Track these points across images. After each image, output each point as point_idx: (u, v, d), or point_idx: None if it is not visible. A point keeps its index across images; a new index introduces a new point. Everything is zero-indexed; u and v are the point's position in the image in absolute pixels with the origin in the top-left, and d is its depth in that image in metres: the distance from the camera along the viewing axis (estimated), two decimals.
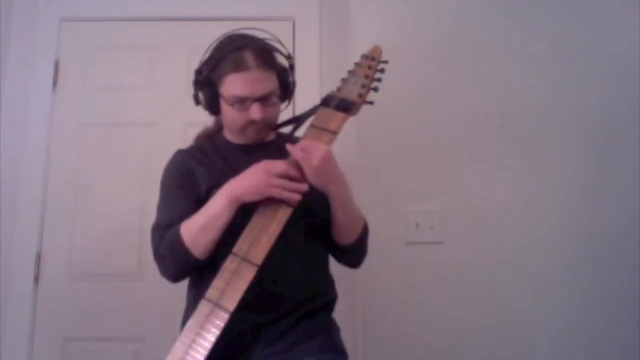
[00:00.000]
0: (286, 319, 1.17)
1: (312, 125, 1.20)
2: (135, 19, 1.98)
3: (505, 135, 1.87)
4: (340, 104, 1.20)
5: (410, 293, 1.77)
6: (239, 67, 1.17)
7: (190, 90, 1.28)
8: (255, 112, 1.18)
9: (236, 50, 1.19)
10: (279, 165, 1.11)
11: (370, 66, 1.24)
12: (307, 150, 1.11)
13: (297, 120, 1.30)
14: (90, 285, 1.83)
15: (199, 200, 1.19)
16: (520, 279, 1.78)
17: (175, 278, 1.20)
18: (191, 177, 1.23)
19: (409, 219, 1.80)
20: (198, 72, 1.25)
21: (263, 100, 1.19)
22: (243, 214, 1.12)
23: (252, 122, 1.20)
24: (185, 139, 1.83)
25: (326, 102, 1.22)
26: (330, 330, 1.24)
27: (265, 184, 1.09)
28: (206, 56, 1.25)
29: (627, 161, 1.84)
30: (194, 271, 1.20)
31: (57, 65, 1.95)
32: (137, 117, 1.93)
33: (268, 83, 1.20)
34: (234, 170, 1.18)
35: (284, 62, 1.28)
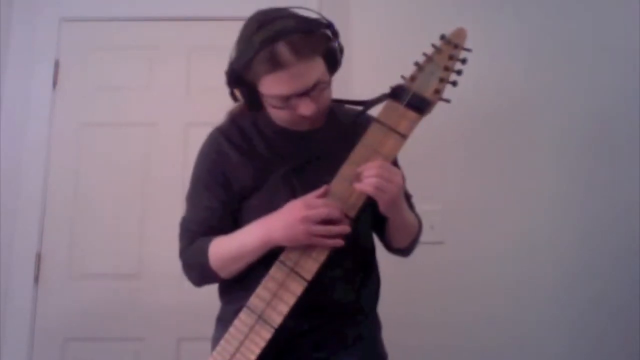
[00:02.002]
0: (327, 325, 1.09)
1: (378, 121, 1.04)
2: (135, 19, 1.98)
3: (506, 136, 1.87)
4: (414, 101, 1.04)
5: (410, 293, 1.77)
6: (275, 66, 0.98)
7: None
8: (306, 108, 1.02)
9: (266, 45, 0.98)
10: (320, 210, 0.98)
11: (452, 56, 1.06)
12: (382, 178, 0.96)
13: (361, 104, 1.13)
14: (90, 285, 1.83)
15: (233, 198, 1.10)
16: (520, 279, 1.78)
17: (199, 286, 1.15)
18: (225, 173, 1.11)
19: None
20: (230, 73, 1.05)
21: (311, 92, 1.02)
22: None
23: (303, 117, 1.04)
24: (185, 139, 1.84)
25: (397, 94, 1.05)
26: (373, 335, 1.18)
27: (305, 234, 0.98)
28: (234, 52, 1.05)
29: (627, 160, 1.85)
30: None
31: (57, 65, 1.94)
32: (137, 117, 1.93)
33: (313, 72, 1.01)
34: (281, 158, 1.09)
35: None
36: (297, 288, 0.98)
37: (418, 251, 1.78)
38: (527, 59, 1.91)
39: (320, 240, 0.99)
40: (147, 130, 1.91)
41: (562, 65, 1.90)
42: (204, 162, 1.15)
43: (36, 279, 1.82)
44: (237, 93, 1.09)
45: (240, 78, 1.04)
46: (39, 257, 1.83)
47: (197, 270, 1.10)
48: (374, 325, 1.20)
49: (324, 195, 1.02)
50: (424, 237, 1.78)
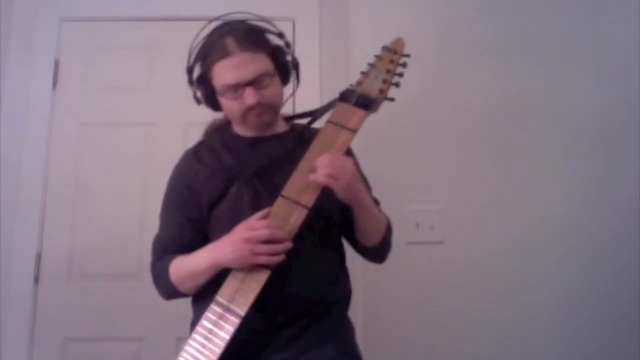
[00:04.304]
0: (299, 321, 1.13)
1: (329, 122, 1.15)
2: (135, 19, 1.98)
3: (505, 135, 1.87)
4: (360, 100, 1.16)
5: (410, 293, 1.77)
6: (223, 54, 1.13)
7: (191, 90, 1.27)
8: (249, 96, 1.13)
9: (218, 39, 1.16)
10: (261, 232, 1.04)
11: (393, 60, 1.19)
12: (333, 167, 1.05)
13: (313, 114, 1.26)
14: (90, 285, 1.82)
15: (202, 213, 1.18)
16: (520, 279, 1.78)
17: (166, 299, 1.24)
18: (194, 189, 1.20)
19: (409, 219, 1.80)
20: (189, 71, 1.22)
21: (255, 83, 1.14)
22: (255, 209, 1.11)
23: (249, 108, 1.15)
24: (185, 139, 1.84)
25: (345, 97, 1.17)
26: (345, 333, 1.20)
27: (250, 254, 1.04)
28: (193, 53, 1.22)
29: (627, 160, 1.85)
30: None
31: (57, 65, 1.94)
32: (137, 117, 1.93)
33: (256, 64, 1.14)
34: (246, 165, 1.17)
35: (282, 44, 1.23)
36: (262, 277, 1.04)
37: (418, 251, 1.80)
38: (526, 59, 1.91)
39: (266, 259, 1.04)
40: (147, 130, 1.91)
41: (562, 65, 1.90)
42: (174, 182, 1.25)
43: (36, 279, 1.82)
44: (199, 95, 1.22)
45: (198, 76, 1.19)
46: (39, 257, 1.83)
47: (162, 284, 1.20)
48: (346, 326, 1.22)
49: (267, 216, 1.09)
50: (424, 237, 1.81)
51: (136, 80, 1.95)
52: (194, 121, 1.85)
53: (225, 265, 1.08)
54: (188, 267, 1.14)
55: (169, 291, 1.19)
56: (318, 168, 1.06)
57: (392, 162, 1.84)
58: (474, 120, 1.87)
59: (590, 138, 1.87)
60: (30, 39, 1.95)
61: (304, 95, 1.77)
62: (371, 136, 1.82)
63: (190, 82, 1.23)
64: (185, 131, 1.84)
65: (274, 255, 1.04)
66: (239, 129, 1.26)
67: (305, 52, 1.93)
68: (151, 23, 1.98)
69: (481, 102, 1.88)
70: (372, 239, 1.21)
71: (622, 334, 1.74)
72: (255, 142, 1.23)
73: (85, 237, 1.85)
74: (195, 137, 1.37)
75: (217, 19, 1.24)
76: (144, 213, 1.85)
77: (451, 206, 1.81)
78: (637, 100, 1.87)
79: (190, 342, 1.04)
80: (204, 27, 1.24)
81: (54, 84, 1.94)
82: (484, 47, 1.91)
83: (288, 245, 1.06)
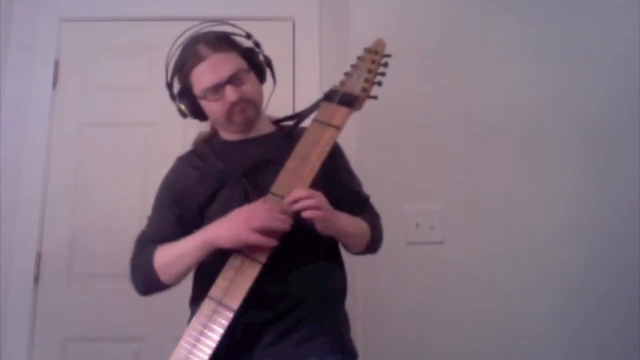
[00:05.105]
0: (291, 315, 1.13)
1: (315, 120, 1.19)
2: (135, 19, 1.98)
3: (506, 135, 1.87)
4: (344, 99, 1.19)
5: (410, 293, 1.77)
6: (197, 59, 1.19)
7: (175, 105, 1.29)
8: (230, 94, 1.17)
9: (190, 48, 1.21)
10: (260, 220, 1.06)
11: (374, 60, 1.22)
12: (312, 198, 1.07)
13: (298, 116, 1.30)
14: (90, 285, 1.83)
15: (192, 214, 1.20)
16: (520, 279, 1.79)
17: (142, 293, 1.22)
18: (184, 192, 1.22)
19: (409, 219, 1.81)
20: (169, 86, 1.26)
21: (233, 81, 1.18)
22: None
23: (232, 105, 1.19)
24: (184, 139, 1.82)
25: (329, 96, 1.21)
26: (339, 328, 1.20)
27: (246, 231, 1.05)
28: (169, 68, 1.26)
29: (627, 160, 1.85)
30: (197, 271, 1.21)
31: (57, 65, 1.95)
32: (137, 117, 1.93)
33: (231, 63, 1.19)
34: (236, 167, 1.20)
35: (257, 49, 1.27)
36: (253, 271, 1.05)
37: (418, 251, 1.80)
38: (526, 59, 1.91)
39: (260, 238, 1.05)
40: (147, 130, 1.91)
41: (562, 65, 1.91)
42: (165, 185, 1.28)
43: (36, 279, 1.82)
44: (183, 107, 1.26)
45: (180, 89, 1.24)
46: (39, 257, 1.83)
47: (142, 273, 1.18)
48: (341, 321, 1.23)
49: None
50: (424, 237, 1.81)
51: (136, 80, 1.95)
52: (193, 121, 1.86)
53: (218, 244, 1.08)
54: (175, 248, 1.14)
55: (151, 280, 1.16)
56: (299, 202, 1.07)
57: (392, 162, 1.84)
58: (473, 121, 1.87)
59: (590, 138, 1.87)
60: (30, 39, 1.95)
61: (304, 95, 1.79)
62: (371, 136, 1.83)
63: (172, 97, 1.27)
64: (185, 131, 1.84)
65: (268, 239, 1.05)
66: (225, 134, 1.29)
67: (305, 52, 1.94)
68: (151, 23, 1.98)
69: (481, 102, 1.88)
70: (359, 247, 1.25)
71: (622, 334, 1.75)
72: (242, 144, 1.26)
73: (85, 237, 1.85)
74: (194, 137, 1.38)
75: (186, 31, 1.28)
76: (144, 213, 1.82)
77: (451, 206, 1.82)
78: (637, 100, 1.87)
79: (185, 337, 1.06)
80: (187, 30, 1.27)
81: (54, 84, 1.94)
82: (485, 48, 1.92)
83: (285, 227, 1.07)
